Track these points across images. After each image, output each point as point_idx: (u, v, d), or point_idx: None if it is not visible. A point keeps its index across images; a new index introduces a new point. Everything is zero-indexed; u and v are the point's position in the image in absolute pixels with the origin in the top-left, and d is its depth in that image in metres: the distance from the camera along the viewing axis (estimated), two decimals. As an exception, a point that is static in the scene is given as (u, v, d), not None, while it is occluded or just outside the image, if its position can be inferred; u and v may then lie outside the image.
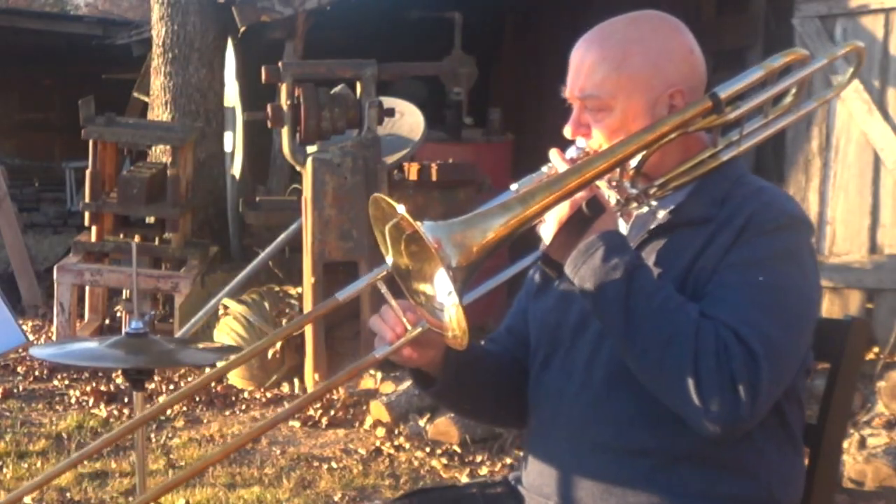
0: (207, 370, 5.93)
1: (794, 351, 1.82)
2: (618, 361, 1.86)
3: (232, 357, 2.08)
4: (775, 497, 1.92)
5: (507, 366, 2.14)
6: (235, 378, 5.84)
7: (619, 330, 1.80)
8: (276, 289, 6.09)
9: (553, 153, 1.90)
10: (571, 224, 1.84)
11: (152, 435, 5.06)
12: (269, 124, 5.74)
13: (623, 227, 1.97)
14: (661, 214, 1.94)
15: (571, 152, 1.91)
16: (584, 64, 1.93)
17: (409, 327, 1.89)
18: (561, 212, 1.84)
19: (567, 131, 1.97)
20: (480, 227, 1.72)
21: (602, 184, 1.90)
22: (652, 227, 1.95)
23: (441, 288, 1.74)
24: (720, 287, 1.82)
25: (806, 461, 2.10)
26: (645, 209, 1.94)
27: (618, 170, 1.89)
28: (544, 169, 1.90)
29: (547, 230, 1.86)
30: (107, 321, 7.07)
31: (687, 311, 1.78)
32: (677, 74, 1.92)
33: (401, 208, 1.70)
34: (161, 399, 5.61)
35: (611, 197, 1.91)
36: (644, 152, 1.88)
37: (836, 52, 2.03)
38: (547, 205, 1.79)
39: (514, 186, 1.86)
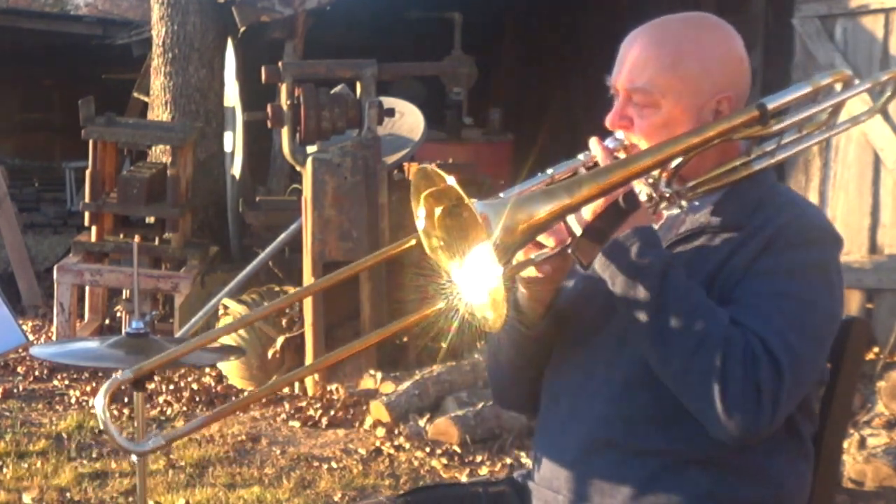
0: (207, 369, 5.95)
1: (814, 364, 1.85)
2: (640, 362, 1.86)
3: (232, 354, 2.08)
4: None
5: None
6: (235, 378, 5.84)
7: (649, 328, 1.80)
8: (276, 289, 6.09)
9: (593, 142, 1.88)
10: (606, 215, 1.83)
11: (152, 435, 5.06)
12: (269, 124, 5.74)
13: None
14: (692, 218, 1.94)
15: (610, 143, 1.90)
16: (638, 57, 1.92)
17: (568, 236, 1.85)
18: (596, 202, 1.82)
19: (608, 121, 1.95)
20: (527, 211, 1.72)
21: (637, 180, 1.89)
22: (682, 229, 1.94)
23: (477, 265, 1.73)
24: (748, 295, 1.83)
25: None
26: (675, 210, 1.94)
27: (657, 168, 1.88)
28: (581, 157, 1.89)
29: (580, 219, 1.84)
30: (107, 321, 7.07)
31: (717, 317, 1.79)
32: (727, 81, 1.92)
33: (451, 179, 1.69)
34: (161, 399, 5.62)
35: (642, 193, 1.90)
36: (687, 154, 1.87)
37: (880, 77, 2.07)
38: (591, 196, 1.78)
39: (549, 171, 1.86)
